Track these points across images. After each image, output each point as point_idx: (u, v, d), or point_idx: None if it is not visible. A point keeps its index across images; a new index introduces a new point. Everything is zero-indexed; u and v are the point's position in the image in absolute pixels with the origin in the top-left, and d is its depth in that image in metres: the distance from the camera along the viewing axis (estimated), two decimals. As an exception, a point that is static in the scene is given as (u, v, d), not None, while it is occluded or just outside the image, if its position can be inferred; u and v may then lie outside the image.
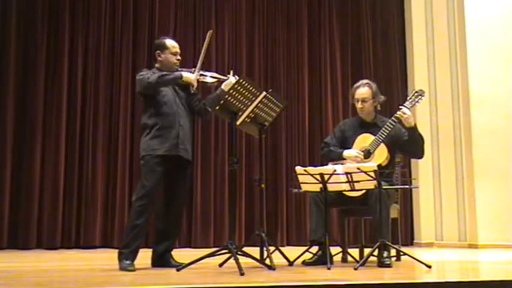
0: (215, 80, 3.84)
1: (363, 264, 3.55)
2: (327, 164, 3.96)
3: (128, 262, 3.51)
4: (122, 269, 3.48)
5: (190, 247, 6.24)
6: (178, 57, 3.89)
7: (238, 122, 3.67)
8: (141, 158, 3.75)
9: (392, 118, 3.90)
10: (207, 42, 3.74)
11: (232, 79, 3.78)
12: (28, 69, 6.27)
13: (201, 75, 3.79)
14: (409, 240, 6.71)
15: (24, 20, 6.31)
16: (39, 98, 6.21)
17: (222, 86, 3.81)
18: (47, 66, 6.31)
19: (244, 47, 6.84)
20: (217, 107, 3.51)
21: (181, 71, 3.77)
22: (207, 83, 3.84)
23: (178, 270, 3.34)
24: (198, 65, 3.76)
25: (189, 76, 3.70)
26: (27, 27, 6.31)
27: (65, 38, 6.34)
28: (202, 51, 3.78)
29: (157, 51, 3.88)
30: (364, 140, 4.01)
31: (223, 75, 3.86)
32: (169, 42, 3.89)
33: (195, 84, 3.72)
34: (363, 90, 4.10)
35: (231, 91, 3.50)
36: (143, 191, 3.63)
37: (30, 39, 6.30)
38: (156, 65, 3.89)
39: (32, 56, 6.28)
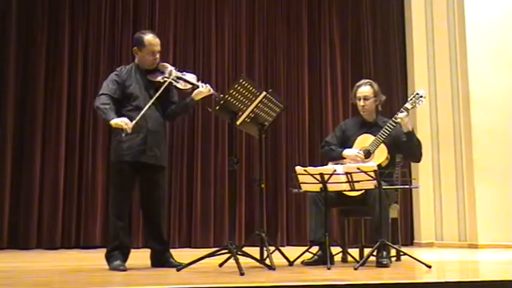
0: (189, 86, 3.76)
1: (362, 264, 3.55)
2: (326, 164, 3.97)
3: (118, 262, 3.49)
4: (113, 268, 3.47)
5: (190, 247, 6.24)
6: (157, 56, 3.73)
7: (238, 122, 3.67)
8: (111, 163, 3.71)
9: (391, 120, 3.91)
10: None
11: (202, 88, 3.72)
12: (28, 69, 6.26)
13: (177, 78, 3.72)
14: (409, 240, 6.70)
15: (24, 20, 6.31)
16: (39, 98, 6.21)
17: (193, 94, 3.75)
18: (47, 66, 6.30)
19: (244, 47, 6.83)
20: (217, 107, 3.51)
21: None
22: (179, 88, 3.76)
23: (178, 270, 3.34)
24: (175, 70, 3.75)
25: (117, 122, 3.43)
26: (27, 27, 6.31)
27: (65, 37, 6.34)
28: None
29: (135, 48, 3.75)
30: (365, 140, 4.02)
31: (195, 83, 3.75)
32: (148, 40, 3.69)
33: (127, 130, 3.42)
34: (365, 88, 4.13)
35: (231, 91, 3.50)
36: (115, 197, 3.62)
37: (30, 39, 6.29)
38: (136, 61, 3.79)
39: (32, 56, 6.27)
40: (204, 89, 3.73)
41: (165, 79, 3.70)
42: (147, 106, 3.56)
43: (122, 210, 3.63)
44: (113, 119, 3.47)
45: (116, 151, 3.64)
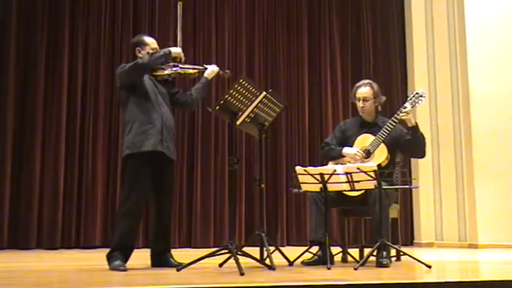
0: (196, 70, 3.87)
1: (363, 264, 3.55)
2: (326, 164, 3.97)
3: (118, 262, 3.48)
4: (113, 268, 3.46)
5: (190, 247, 6.24)
6: None
7: (238, 122, 3.67)
8: (124, 158, 3.67)
9: (393, 118, 3.91)
10: (180, 16, 3.86)
11: (213, 68, 3.93)
12: (28, 69, 6.27)
13: (182, 67, 3.81)
14: (409, 240, 6.71)
15: (24, 20, 6.31)
16: (39, 98, 6.21)
17: (206, 75, 3.93)
18: (47, 66, 6.30)
19: (244, 47, 6.84)
20: (217, 107, 3.51)
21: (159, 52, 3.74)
22: (189, 73, 3.84)
23: (178, 270, 3.34)
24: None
25: (177, 50, 3.74)
26: (27, 27, 6.31)
27: (65, 37, 6.34)
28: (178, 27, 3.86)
29: (138, 48, 3.83)
30: (364, 140, 4.02)
31: (201, 66, 3.93)
32: (149, 39, 3.88)
33: (183, 57, 3.76)
34: (365, 89, 4.12)
35: (231, 91, 3.50)
36: (130, 192, 3.57)
37: (30, 39, 6.29)
38: None
39: (32, 56, 6.28)
40: (215, 68, 3.94)
41: (172, 71, 3.77)
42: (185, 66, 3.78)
43: (137, 209, 3.61)
44: (169, 48, 3.69)
45: (132, 144, 3.61)
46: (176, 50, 3.73)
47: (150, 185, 3.67)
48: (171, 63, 3.83)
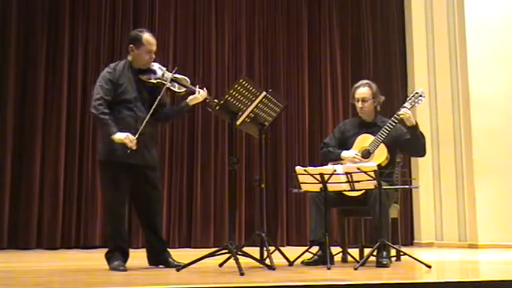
0: (183, 90, 3.73)
1: (363, 264, 3.56)
2: (326, 164, 3.97)
3: (117, 263, 3.47)
4: (113, 268, 3.46)
5: (190, 247, 6.24)
6: (153, 56, 3.70)
7: (238, 122, 3.67)
8: (99, 162, 3.64)
9: (393, 118, 3.91)
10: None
11: (199, 96, 3.72)
12: (28, 69, 6.26)
13: (172, 80, 3.68)
14: (409, 240, 6.71)
15: (24, 20, 6.31)
16: (39, 98, 6.21)
17: (188, 99, 3.75)
18: (47, 66, 6.30)
19: (244, 47, 6.83)
20: (217, 107, 3.51)
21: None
22: (175, 92, 3.72)
23: (178, 270, 3.34)
24: (173, 73, 3.69)
25: (120, 137, 3.41)
26: (27, 27, 6.30)
27: (65, 38, 6.33)
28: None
29: (131, 45, 3.66)
30: (364, 140, 4.02)
31: (193, 87, 3.75)
32: (146, 39, 3.64)
33: (132, 147, 3.42)
34: (363, 90, 4.12)
35: (231, 91, 3.50)
36: (109, 197, 3.56)
37: (30, 39, 6.29)
38: (129, 58, 3.70)
39: (32, 56, 6.27)
40: (200, 96, 3.74)
41: (159, 81, 3.66)
42: (149, 114, 3.51)
43: (119, 211, 3.57)
44: (115, 133, 3.44)
45: (106, 150, 3.54)
46: (119, 137, 3.42)
47: (128, 187, 3.60)
48: (164, 68, 3.75)
